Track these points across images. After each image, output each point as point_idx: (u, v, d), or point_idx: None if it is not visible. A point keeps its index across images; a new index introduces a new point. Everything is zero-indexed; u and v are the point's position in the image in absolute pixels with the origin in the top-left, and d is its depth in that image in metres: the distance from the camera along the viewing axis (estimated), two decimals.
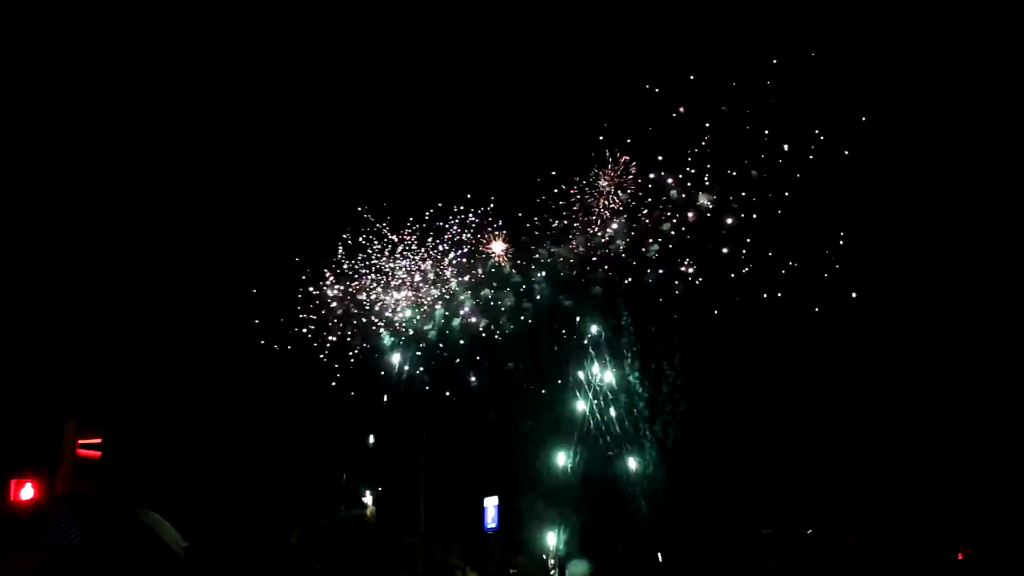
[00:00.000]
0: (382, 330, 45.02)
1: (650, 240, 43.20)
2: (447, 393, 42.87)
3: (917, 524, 36.42)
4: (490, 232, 44.18)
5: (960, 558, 34.48)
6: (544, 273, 44.32)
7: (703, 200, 42.32)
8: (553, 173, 42.86)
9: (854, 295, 39.86)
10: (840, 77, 40.63)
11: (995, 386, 38.18)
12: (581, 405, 43.39)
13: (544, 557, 41.37)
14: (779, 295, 40.83)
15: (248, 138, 43.14)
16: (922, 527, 36.24)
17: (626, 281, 43.81)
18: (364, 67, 45.18)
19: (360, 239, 44.74)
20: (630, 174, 42.95)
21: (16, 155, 36.99)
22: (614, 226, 43.53)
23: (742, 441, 40.44)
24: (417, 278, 45.00)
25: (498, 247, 43.73)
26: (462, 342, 44.50)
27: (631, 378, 43.64)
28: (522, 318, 44.41)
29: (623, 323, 43.61)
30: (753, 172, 41.47)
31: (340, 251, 44.51)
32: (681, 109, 40.88)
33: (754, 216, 41.35)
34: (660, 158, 42.16)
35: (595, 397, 43.65)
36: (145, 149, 41.44)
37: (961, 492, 36.68)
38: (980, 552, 34.16)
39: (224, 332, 41.30)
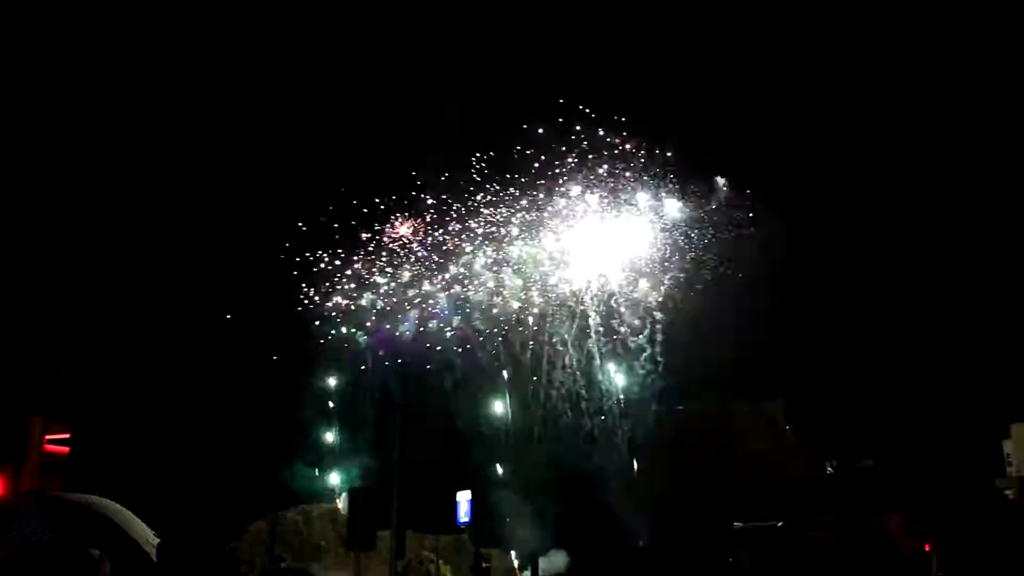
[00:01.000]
0: (356, 330, 44.98)
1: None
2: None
3: (885, 515, 36.89)
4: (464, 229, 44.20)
5: (927, 549, 34.84)
6: (513, 273, 44.48)
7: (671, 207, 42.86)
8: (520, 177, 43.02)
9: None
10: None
11: (955, 380, 38.83)
12: (553, 401, 43.69)
13: (512, 554, 41.52)
14: (743, 291, 41.36)
15: (209, 130, 42.91)
16: (891, 518, 36.70)
17: (592, 280, 44.21)
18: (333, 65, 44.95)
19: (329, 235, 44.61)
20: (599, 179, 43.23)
21: None
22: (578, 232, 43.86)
23: (711, 434, 40.84)
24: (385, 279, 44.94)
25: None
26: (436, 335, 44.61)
27: (601, 375, 43.93)
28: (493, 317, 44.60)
29: (591, 323, 43.87)
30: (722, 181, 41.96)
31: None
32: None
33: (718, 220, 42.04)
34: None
35: (568, 394, 43.89)
36: (104, 143, 41.03)
37: (926, 484, 37.21)
38: (937, 543, 34.61)
39: (193, 328, 41.00)
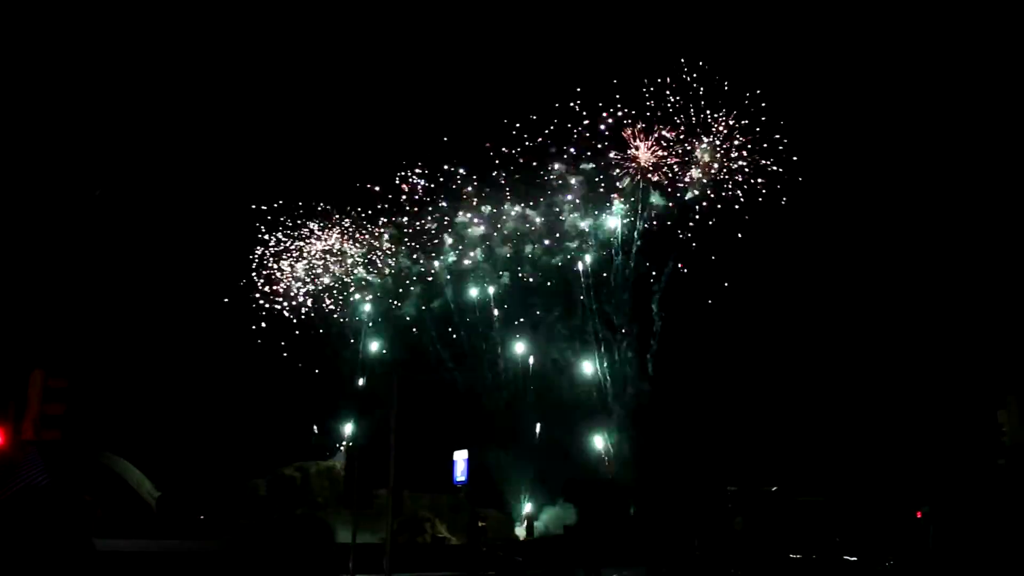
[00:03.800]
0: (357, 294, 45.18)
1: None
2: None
3: (878, 483, 37.18)
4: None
5: (919, 516, 35.13)
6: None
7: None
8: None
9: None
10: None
11: (950, 356, 38.96)
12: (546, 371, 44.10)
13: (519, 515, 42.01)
14: (742, 262, 41.51)
15: (217, 104, 42.91)
16: (883, 486, 36.99)
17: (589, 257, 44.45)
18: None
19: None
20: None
21: None
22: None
23: (710, 402, 41.08)
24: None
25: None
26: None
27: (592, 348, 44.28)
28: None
29: (585, 300, 44.19)
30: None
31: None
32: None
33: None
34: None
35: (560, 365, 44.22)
36: (108, 105, 40.98)
37: (919, 453, 37.48)
38: (934, 510, 34.89)
39: (194, 283, 41.12)
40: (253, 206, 43.82)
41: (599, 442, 43.82)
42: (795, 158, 41.41)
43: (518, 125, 42.46)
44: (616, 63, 42.32)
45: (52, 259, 37.60)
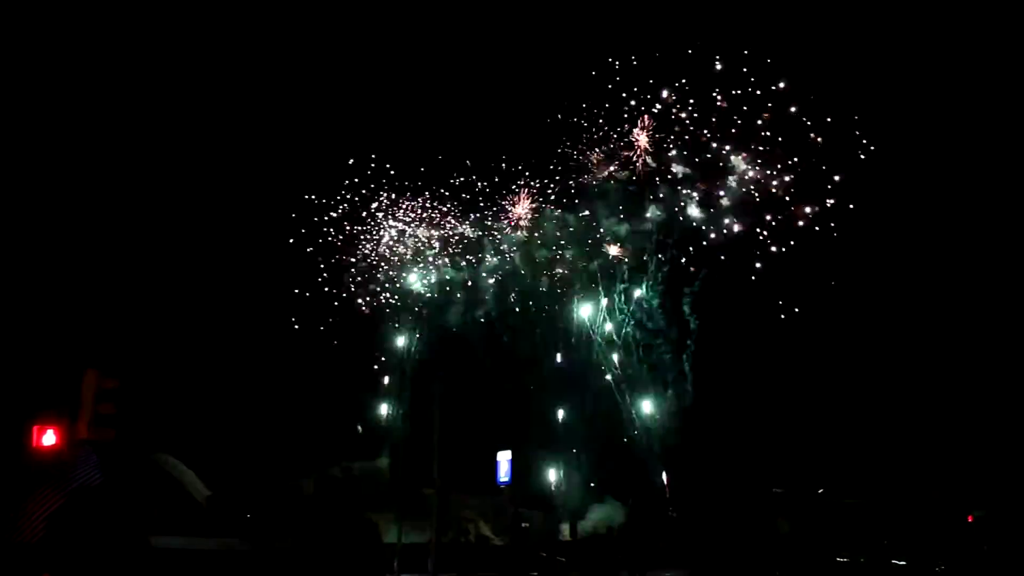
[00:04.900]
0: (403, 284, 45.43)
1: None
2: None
3: (928, 487, 36.64)
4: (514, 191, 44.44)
5: (970, 520, 34.58)
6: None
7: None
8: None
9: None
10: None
11: (1003, 357, 38.29)
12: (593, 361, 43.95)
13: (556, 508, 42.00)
14: (793, 262, 41.11)
15: (257, 86, 43.33)
16: (933, 490, 36.45)
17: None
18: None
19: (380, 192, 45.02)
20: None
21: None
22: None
23: (756, 403, 40.73)
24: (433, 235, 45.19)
25: (521, 208, 43.96)
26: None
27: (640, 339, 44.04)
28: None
29: (621, 290, 44.08)
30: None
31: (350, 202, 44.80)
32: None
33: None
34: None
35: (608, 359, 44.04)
36: (152, 97, 41.62)
37: (973, 456, 36.85)
38: (990, 515, 34.30)
39: (243, 286, 41.65)
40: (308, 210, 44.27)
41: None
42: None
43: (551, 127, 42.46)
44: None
45: (104, 259, 38.37)
